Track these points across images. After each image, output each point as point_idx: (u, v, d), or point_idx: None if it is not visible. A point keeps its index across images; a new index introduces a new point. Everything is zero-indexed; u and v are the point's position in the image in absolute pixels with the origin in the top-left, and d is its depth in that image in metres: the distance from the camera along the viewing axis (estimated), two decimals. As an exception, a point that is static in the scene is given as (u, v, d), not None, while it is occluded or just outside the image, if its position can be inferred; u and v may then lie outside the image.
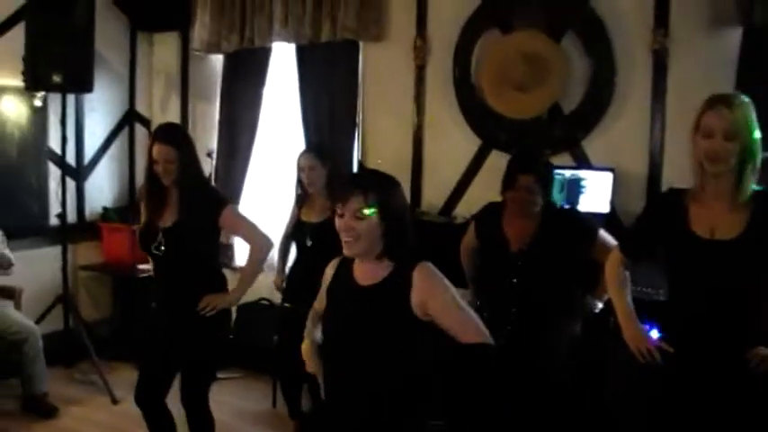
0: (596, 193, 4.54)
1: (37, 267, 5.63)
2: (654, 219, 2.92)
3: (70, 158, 5.99)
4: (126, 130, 6.70)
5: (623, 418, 3.72)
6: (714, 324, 2.66)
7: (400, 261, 2.45)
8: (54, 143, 5.85)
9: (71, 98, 5.84)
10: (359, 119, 5.59)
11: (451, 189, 5.26)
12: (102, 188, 6.53)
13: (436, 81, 5.30)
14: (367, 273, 2.49)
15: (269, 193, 6.16)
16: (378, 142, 5.58)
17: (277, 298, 4.97)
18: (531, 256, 3.57)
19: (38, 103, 5.76)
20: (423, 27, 5.31)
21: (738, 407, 2.65)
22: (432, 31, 5.30)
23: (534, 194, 3.51)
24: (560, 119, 4.84)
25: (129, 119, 6.71)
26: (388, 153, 5.45)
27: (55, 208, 5.77)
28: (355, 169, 5.51)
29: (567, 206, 4.16)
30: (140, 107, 6.75)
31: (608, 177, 4.53)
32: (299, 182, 4.59)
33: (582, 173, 4.63)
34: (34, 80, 5.27)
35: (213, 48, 6.08)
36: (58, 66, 5.20)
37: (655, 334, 3.03)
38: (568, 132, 4.81)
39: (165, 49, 6.68)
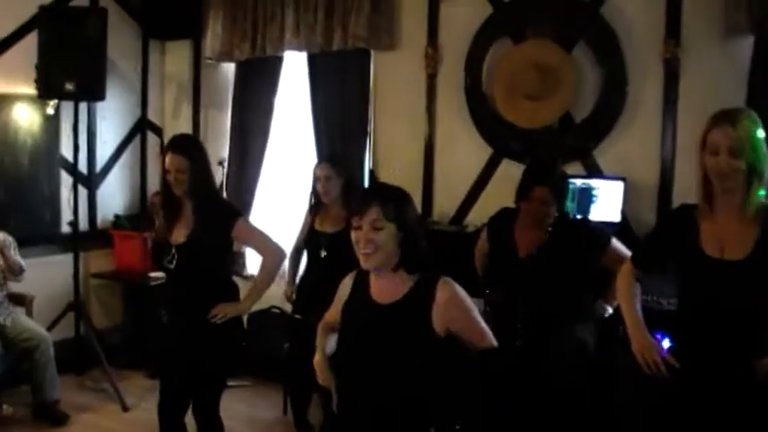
0: (607, 203, 4.53)
1: (48, 275, 5.64)
2: (665, 235, 2.92)
3: (82, 166, 6.02)
4: (138, 138, 6.71)
5: (628, 425, 3.72)
6: (722, 341, 2.65)
7: (417, 271, 2.47)
8: (66, 151, 5.86)
9: (83, 106, 5.86)
10: (370, 127, 5.59)
11: (462, 198, 5.26)
12: (113, 196, 6.54)
13: (447, 90, 5.30)
14: (385, 290, 2.50)
15: (280, 202, 6.17)
16: (389, 151, 5.59)
17: (288, 306, 4.96)
18: (540, 263, 3.57)
19: (50, 111, 5.77)
20: (434, 36, 5.32)
21: (744, 419, 2.63)
22: (443, 39, 5.30)
23: (549, 206, 3.52)
24: (571, 128, 4.83)
25: (141, 127, 6.72)
26: (399, 162, 5.46)
27: (67, 215, 5.79)
28: (366, 177, 5.52)
29: (579, 216, 4.16)
30: (152, 115, 6.76)
31: (619, 187, 4.52)
32: (314, 191, 4.59)
33: (593, 182, 4.62)
34: (47, 88, 5.30)
35: (225, 56, 6.10)
36: (70, 74, 5.23)
37: (666, 344, 3.03)
38: (580, 142, 4.81)
39: (177, 57, 6.69)
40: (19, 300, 5.28)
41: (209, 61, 6.29)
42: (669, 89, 4.52)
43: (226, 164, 6.12)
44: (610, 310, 3.72)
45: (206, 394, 3.72)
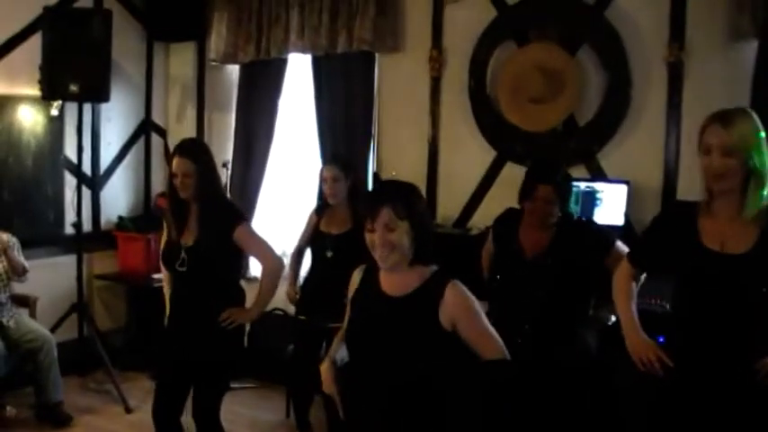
0: (611, 206, 4.53)
1: (52, 276, 5.65)
2: (663, 231, 2.89)
3: (86, 168, 6.03)
4: (142, 140, 6.71)
5: (628, 425, 3.72)
6: (721, 337, 2.64)
7: (431, 261, 2.50)
8: (70, 152, 5.88)
9: (87, 107, 5.86)
10: (374, 130, 5.60)
11: (466, 201, 5.26)
12: (117, 197, 6.54)
13: (452, 93, 5.30)
14: (396, 283, 2.51)
15: (284, 204, 6.17)
16: (393, 153, 5.59)
17: (291, 308, 4.96)
18: (545, 264, 3.58)
19: (54, 112, 5.76)
20: (438, 39, 5.32)
21: (744, 419, 2.62)
22: (447, 42, 5.30)
23: (552, 205, 3.52)
24: (575, 131, 4.84)
25: (145, 128, 6.72)
26: (404, 164, 5.44)
27: (70, 217, 5.80)
28: (371, 179, 5.53)
29: (584, 218, 4.16)
30: (156, 117, 6.77)
31: (623, 190, 4.52)
32: (320, 193, 4.59)
33: (597, 185, 4.63)
34: (51, 89, 5.30)
35: (229, 58, 6.10)
36: (74, 75, 5.22)
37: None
38: (583, 145, 4.81)
39: (181, 59, 6.71)
40: (22, 301, 5.28)
41: (214, 63, 6.30)
42: (673, 93, 4.53)
43: (230, 166, 6.11)
44: (613, 318, 3.72)
45: (207, 397, 3.70)
